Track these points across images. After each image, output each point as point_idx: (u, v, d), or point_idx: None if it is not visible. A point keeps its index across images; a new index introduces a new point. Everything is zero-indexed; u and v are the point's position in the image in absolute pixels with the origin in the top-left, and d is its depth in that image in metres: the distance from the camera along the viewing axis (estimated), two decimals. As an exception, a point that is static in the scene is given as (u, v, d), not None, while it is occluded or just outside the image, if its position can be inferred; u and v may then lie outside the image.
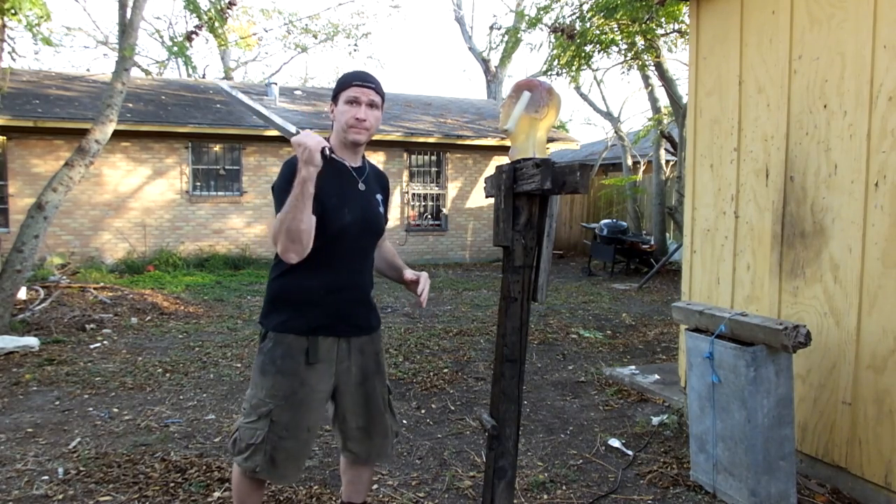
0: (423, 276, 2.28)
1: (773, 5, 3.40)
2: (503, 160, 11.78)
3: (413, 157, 13.79)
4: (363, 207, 2.18)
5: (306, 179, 1.90)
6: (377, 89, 2.16)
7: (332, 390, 2.20)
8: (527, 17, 11.31)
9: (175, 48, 8.22)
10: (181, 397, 4.47)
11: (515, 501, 2.86)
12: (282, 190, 2.01)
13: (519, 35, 14.50)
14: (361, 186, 2.20)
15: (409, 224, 13.73)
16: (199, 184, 12.27)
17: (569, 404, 4.42)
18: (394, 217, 13.51)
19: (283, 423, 2.09)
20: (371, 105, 2.13)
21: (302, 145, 1.90)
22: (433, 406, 4.36)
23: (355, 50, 26.50)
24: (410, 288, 2.29)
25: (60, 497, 2.95)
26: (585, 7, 9.63)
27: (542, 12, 10.62)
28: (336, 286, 2.15)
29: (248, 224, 12.60)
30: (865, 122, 2.88)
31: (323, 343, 2.13)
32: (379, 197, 2.29)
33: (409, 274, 2.32)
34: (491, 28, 19.28)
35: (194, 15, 8.28)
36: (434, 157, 13.95)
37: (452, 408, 4.33)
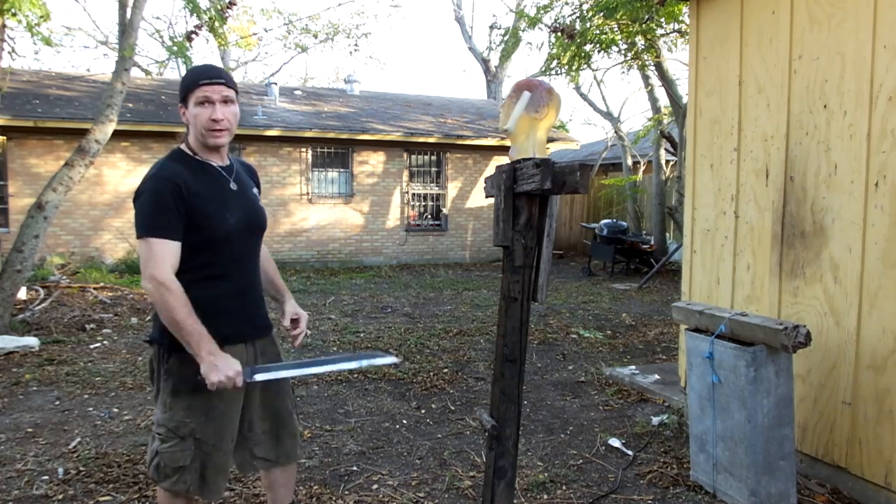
0: (304, 318, 2.23)
1: (773, 5, 3.40)
2: (503, 160, 11.79)
3: (413, 157, 13.79)
4: (243, 206, 2.10)
5: (198, 354, 1.88)
6: (228, 83, 2.02)
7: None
8: (527, 17, 11.32)
9: (175, 48, 8.21)
10: (181, 397, 4.47)
11: (515, 501, 2.86)
12: (163, 211, 1.90)
13: (519, 35, 14.52)
14: (234, 185, 2.11)
15: (409, 224, 13.73)
16: (199, 184, 12.24)
17: (569, 404, 4.42)
18: (394, 217, 13.52)
19: (209, 440, 2.03)
20: (225, 101, 2.00)
21: (223, 375, 1.87)
22: (433, 406, 4.36)
23: (355, 50, 26.45)
24: (289, 325, 2.24)
25: (60, 497, 2.95)
26: (585, 7, 9.64)
27: (542, 12, 10.63)
28: (237, 291, 2.09)
29: (248, 224, 12.59)
30: (865, 122, 2.88)
31: (231, 351, 2.03)
32: (255, 191, 2.22)
33: (288, 313, 2.24)
34: (491, 28, 19.31)
35: (194, 15, 8.27)
36: (434, 157, 13.95)
37: (452, 408, 4.33)
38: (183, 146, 2.09)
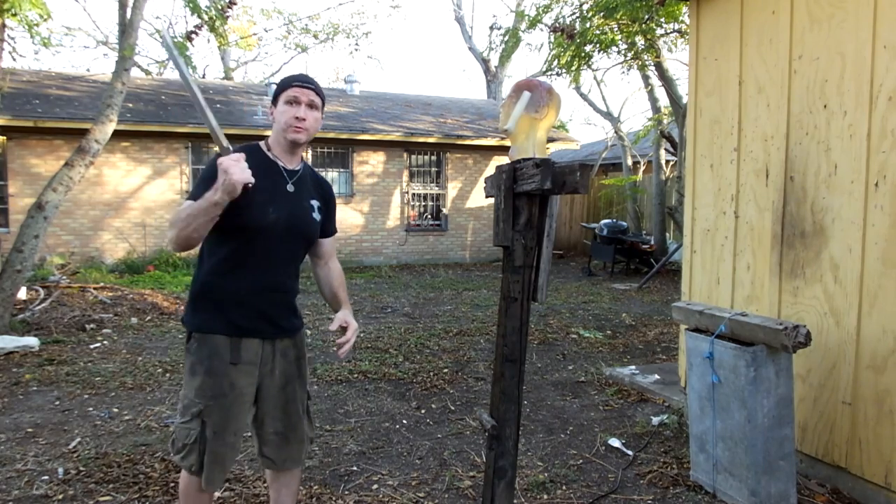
0: (353, 328, 2.25)
1: (773, 5, 3.40)
2: (503, 160, 11.78)
3: (413, 157, 13.79)
4: (290, 209, 2.14)
5: (217, 203, 1.88)
6: (317, 91, 2.16)
7: (255, 393, 2.17)
8: (527, 17, 11.32)
9: (175, 48, 8.20)
10: (181, 397, 4.47)
11: (515, 501, 2.86)
12: (203, 181, 2.00)
13: (519, 35, 14.51)
14: (290, 188, 2.16)
15: (409, 224, 13.73)
16: (198, 184, 12.25)
17: (569, 404, 4.42)
18: (394, 217, 13.52)
19: (213, 426, 2.07)
20: (311, 106, 2.13)
21: (227, 173, 1.84)
22: (433, 406, 4.36)
23: (356, 50, 26.46)
24: (338, 332, 2.27)
25: (60, 497, 2.95)
26: (585, 7, 9.63)
27: (542, 12, 10.62)
28: (261, 286, 2.12)
29: (248, 224, 12.59)
30: (865, 122, 2.88)
31: (248, 344, 2.10)
32: (314, 203, 2.25)
33: (338, 319, 2.25)
34: (491, 28, 19.30)
35: (194, 14, 8.27)
36: (434, 157, 13.95)
37: (452, 408, 4.33)
38: (261, 143, 2.20)
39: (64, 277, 9.40)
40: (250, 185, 1.89)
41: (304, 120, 2.11)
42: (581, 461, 3.44)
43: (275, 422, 2.22)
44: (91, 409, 4.21)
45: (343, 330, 2.25)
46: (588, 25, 9.49)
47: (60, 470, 3.23)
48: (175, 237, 1.95)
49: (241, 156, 1.91)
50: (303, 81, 2.14)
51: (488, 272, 12.42)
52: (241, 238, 2.06)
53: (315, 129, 2.17)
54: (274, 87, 12.26)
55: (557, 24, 9.87)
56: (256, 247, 2.09)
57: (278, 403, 2.21)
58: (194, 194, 2.00)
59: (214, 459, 2.10)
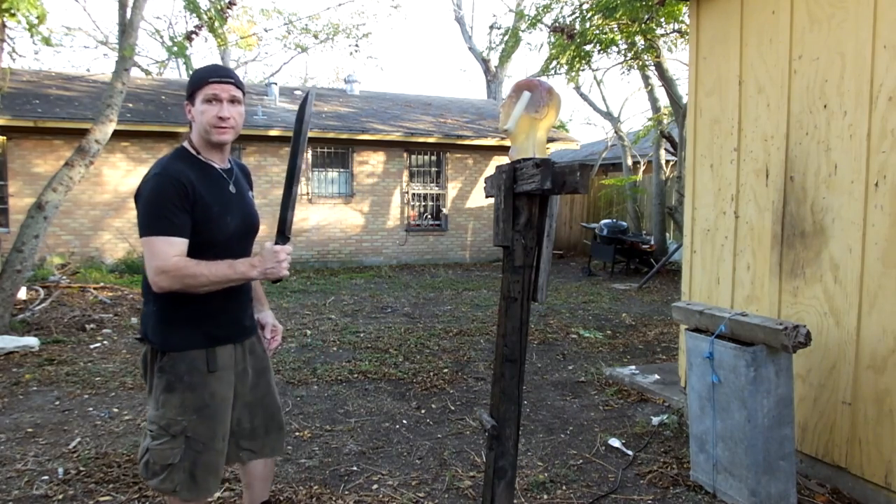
0: (280, 331, 2.38)
1: (773, 5, 3.40)
2: (503, 160, 11.77)
3: (413, 157, 13.78)
4: (241, 210, 2.12)
5: (249, 277, 1.96)
6: (237, 83, 2.04)
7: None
8: (527, 17, 11.32)
9: (175, 48, 8.21)
10: (181, 397, 4.47)
11: (515, 501, 2.86)
12: (172, 205, 1.90)
13: (519, 35, 14.53)
14: (232, 189, 2.11)
15: (409, 224, 13.72)
16: (199, 184, 12.22)
17: (569, 404, 4.42)
18: (394, 217, 13.52)
19: (200, 438, 2.03)
20: (233, 101, 2.01)
21: (280, 266, 1.96)
22: (433, 406, 4.36)
23: (356, 50, 26.45)
24: (264, 333, 2.34)
25: (60, 497, 2.95)
26: (585, 7, 9.63)
27: (542, 12, 10.62)
28: (228, 294, 2.07)
29: (248, 224, 12.57)
30: (865, 122, 2.88)
31: (222, 351, 2.08)
32: (251, 194, 2.24)
33: (269, 326, 2.35)
34: (491, 28, 19.30)
35: (194, 15, 8.28)
36: (434, 157, 13.95)
37: (452, 408, 4.33)
38: (186, 144, 2.09)
39: (64, 277, 9.39)
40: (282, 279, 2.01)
41: (228, 119, 2.00)
42: (581, 461, 3.44)
43: (253, 417, 2.21)
44: (91, 409, 4.21)
45: (273, 330, 2.35)
46: (588, 25, 9.49)
47: (60, 470, 3.23)
48: (180, 286, 1.90)
49: (290, 249, 2.01)
50: (221, 76, 2.00)
51: (488, 272, 12.42)
52: (206, 253, 1.97)
53: (240, 126, 2.06)
54: (274, 86, 12.18)
55: (557, 24, 9.88)
56: (221, 257, 2.03)
57: (253, 400, 2.21)
58: (172, 224, 1.89)
59: (208, 469, 2.07)
